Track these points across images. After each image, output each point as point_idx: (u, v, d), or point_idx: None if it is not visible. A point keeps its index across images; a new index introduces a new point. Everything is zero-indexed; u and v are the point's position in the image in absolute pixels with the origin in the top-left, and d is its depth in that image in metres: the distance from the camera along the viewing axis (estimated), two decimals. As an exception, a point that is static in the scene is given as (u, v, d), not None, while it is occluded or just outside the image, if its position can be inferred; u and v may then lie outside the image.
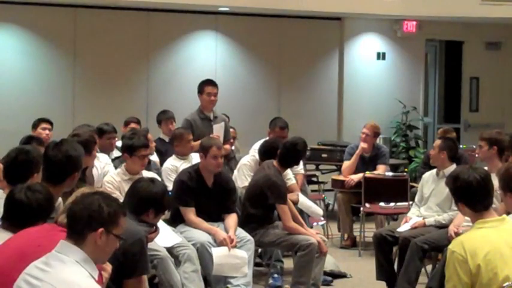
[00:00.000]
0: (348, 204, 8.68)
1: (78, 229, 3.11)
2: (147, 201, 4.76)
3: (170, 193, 6.61)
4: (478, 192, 3.66)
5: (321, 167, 10.70)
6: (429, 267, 6.86)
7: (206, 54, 11.78)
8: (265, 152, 7.04)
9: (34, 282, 3.08)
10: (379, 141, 9.26)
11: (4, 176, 4.53)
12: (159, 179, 6.54)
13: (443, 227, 6.51)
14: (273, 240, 6.51)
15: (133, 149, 6.35)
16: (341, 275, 7.37)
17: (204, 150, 6.38)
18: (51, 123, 8.20)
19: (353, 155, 8.75)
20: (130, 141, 6.44)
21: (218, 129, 7.89)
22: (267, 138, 7.98)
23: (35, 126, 8.13)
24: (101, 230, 3.12)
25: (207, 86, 8.09)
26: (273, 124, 8.32)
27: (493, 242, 3.52)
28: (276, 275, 7.02)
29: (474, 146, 8.87)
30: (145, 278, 4.20)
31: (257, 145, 7.86)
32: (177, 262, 5.77)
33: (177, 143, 7.50)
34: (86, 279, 3.08)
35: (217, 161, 6.38)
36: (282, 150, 6.68)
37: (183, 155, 7.41)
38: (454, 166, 6.83)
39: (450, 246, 3.57)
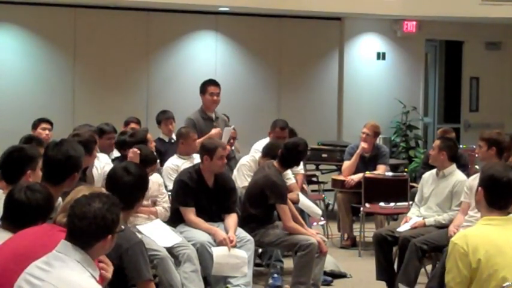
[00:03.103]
0: (347, 204, 8.68)
1: (85, 241, 3.14)
2: (138, 192, 4.38)
3: (170, 193, 6.63)
4: (502, 189, 3.64)
5: (321, 167, 10.70)
6: (429, 267, 6.86)
7: (206, 54, 11.78)
8: (268, 153, 7.05)
9: (35, 281, 3.08)
10: (379, 141, 9.25)
11: (1, 175, 4.54)
12: (161, 179, 6.58)
13: (443, 227, 6.52)
14: (273, 240, 6.52)
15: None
16: (341, 275, 7.37)
17: (209, 152, 6.35)
18: (51, 123, 8.19)
19: (353, 155, 8.75)
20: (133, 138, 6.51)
21: (227, 133, 7.88)
22: (267, 138, 8.01)
23: (35, 126, 8.12)
24: (109, 237, 3.17)
25: (209, 85, 8.08)
26: (273, 124, 8.34)
27: (496, 239, 3.53)
28: (276, 275, 7.03)
29: (474, 146, 8.87)
30: (152, 285, 4.17)
31: (257, 145, 7.87)
32: (177, 262, 5.78)
33: (182, 140, 7.46)
34: (87, 279, 3.09)
35: (223, 161, 6.41)
36: (283, 151, 6.69)
37: (186, 154, 7.38)
38: (454, 166, 6.85)
39: (453, 239, 3.59)
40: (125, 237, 4.06)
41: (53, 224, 3.60)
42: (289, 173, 7.30)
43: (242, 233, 6.32)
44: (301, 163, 7.80)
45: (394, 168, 9.80)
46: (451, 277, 3.53)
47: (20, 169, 4.42)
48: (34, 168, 4.46)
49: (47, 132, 8.04)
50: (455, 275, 3.51)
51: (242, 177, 7.38)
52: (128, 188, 4.30)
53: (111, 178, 4.44)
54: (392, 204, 8.37)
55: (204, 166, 6.40)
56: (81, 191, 3.56)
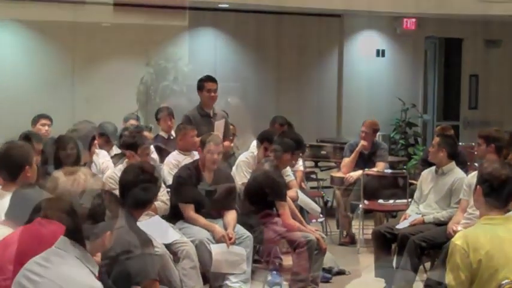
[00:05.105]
0: (346, 201, 8.68)
1: (84, 238, 3.15)
2: (152, 191, 4.53)
3: (169, 189, 6.63)
4: (501, 187, 3.65)
5: (320, 164, 10.71)
6: (428, 265, 6.87)
7: (206, 51, 11.78)
8: (263, 138, 7.17)
9: (34, 278, 3.09)
10: (378, 138, 9.26)
11: None
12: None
13: (442, 224, 6.52)
14: (272, 237, 6.51)
15: (137, 146, 6.37)
16: (340, 272, 7.37)
17: (201, 145, 6.40)
18: (50, 119, 8.20)
19: (353, 152, 8.75)
20: (133, 139, 6.48)
21: (219, 126, 7.88)
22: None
23: (34, 122, 8.14)
24: (108, 233, 3.17)
25: (207, 82, 8.08)
26: (272, 121, 8.35)
27: (496, 239, 3.53)
28: (274, 272, 7.03)
29: (473, 144, 8.87)
30: (157, 284, 4.20)
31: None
32: (176, 259, 5.77)
33: (180, 137, 7.47)
34: (87, 276, 3.10)
35: (213, 156, 6.35)
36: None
37: (185, 151, 7.38)
38: (453, 163, 6.85)
39: (453, 239, 3.59)
40: (134, 235, 4.07)
41: (51, 219, 3.60)
42: (288, 170, 7.31)
43: (241, 229, 6.32)
44: (301, 160, 7.81)
45: (393, 165, 9.80)
46: (452, 277, 3.53)
47: (18, 166, 4.44)
48: (31, 163, 4.48)
49: (46, 128, 8.05)
50: (456, 276, 3.51)
51: (241, 173, 7.38)
52: (142, 188, 4.33)
53: (125, 178, 4.46)
54: (391, 201, 8.37)
55: (200, 160, 6.42)
56: (58, 177, 3.57)
